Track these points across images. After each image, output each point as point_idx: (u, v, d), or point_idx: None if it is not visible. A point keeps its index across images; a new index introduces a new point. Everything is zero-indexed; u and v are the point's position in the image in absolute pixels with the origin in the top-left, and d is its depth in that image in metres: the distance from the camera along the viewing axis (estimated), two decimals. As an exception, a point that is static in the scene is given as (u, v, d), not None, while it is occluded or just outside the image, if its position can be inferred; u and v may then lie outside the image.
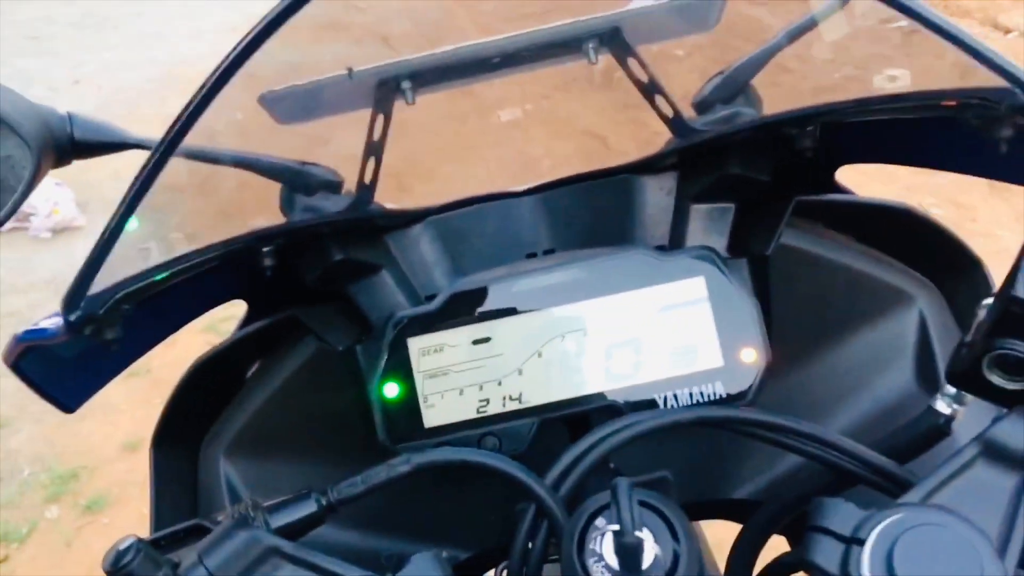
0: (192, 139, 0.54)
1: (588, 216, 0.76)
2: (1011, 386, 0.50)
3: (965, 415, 0.56)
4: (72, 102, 4.69)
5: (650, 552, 0.48)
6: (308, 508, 0.56)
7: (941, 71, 0.54)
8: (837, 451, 0.59)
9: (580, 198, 0.77)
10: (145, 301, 0.63)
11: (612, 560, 0.48)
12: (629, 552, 0.46)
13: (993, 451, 0.48)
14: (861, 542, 0.46)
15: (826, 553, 0.47)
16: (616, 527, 0.47)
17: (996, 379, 0.51)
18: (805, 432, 0.60)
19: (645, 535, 0.48)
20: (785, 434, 0.61)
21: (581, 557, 0.49)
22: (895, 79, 0.59)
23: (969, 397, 0.56)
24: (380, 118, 0.69)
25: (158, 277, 0.61)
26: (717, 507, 0.76)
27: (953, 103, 0.56)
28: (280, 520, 0.55)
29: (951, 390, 0.58)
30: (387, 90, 0.69)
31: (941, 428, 0.57)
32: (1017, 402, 0.50)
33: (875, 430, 0.72)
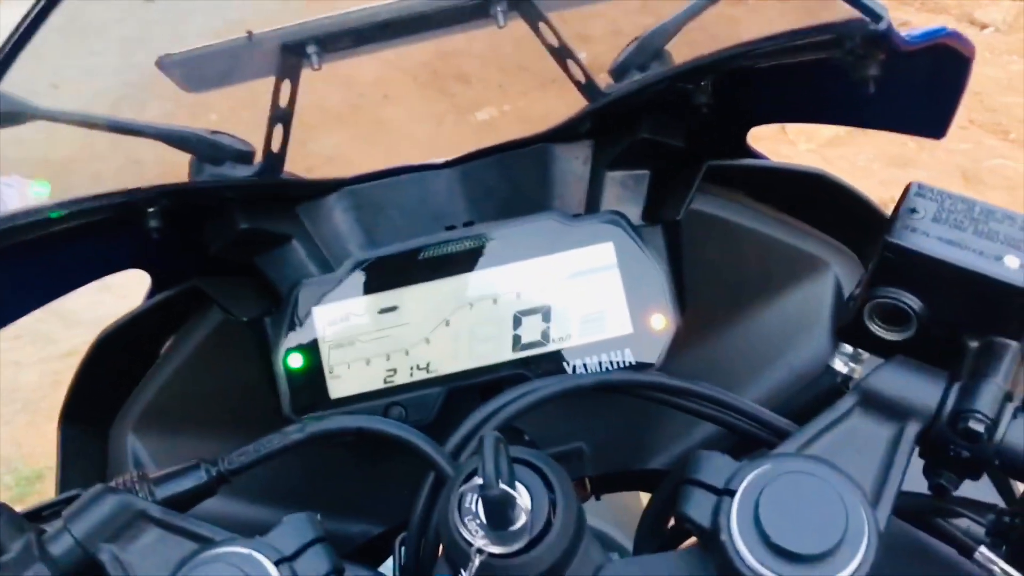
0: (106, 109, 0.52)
1: (507, 187, 0.75)
2: (889, 336, 0.50)
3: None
4: (52, 106, 4.68)
5: (523, 507, 0.46)
6: (196, 479, 0.55)
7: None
8: (735, 412, 0.58)
9: (498, 169, 0.76)
10: (32, 252, 0.61)
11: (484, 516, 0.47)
12: (495, 506, 0.44)
13: (870, 401, 0.48)
14: (732, 493, 0.45)
15: (698, 505, 0.46)
16: (481, 481, 0.45)
17: (876, 329, 0.50)
18: (703, 394, 0.59)
19: (520, 491, 0.47)
20: (684, 396, 0.60)
21: (456, 516, 0.47)
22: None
23: (867, 355, 0.55)
24: (286, 84, 0.68)
25: (44, 216, 0.58)
26: (633, 478, 0.74)
27: (820, 44, 0.55)
28: (166, 491, 0.54)
29: (848, 348, 0.57)
30: (291, 55, 0.67)
31: (839, 387, 0.56)
32: (899, 352, 0.49)
33: (791, 398, 0.71)
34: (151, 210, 0.60)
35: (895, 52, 0.51)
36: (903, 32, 0.50)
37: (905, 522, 0.56)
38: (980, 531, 0.49)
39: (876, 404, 0.47)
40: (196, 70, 0.70)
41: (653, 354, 0.65)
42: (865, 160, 3.18)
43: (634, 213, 0.71)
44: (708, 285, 0.70)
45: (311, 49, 0.68)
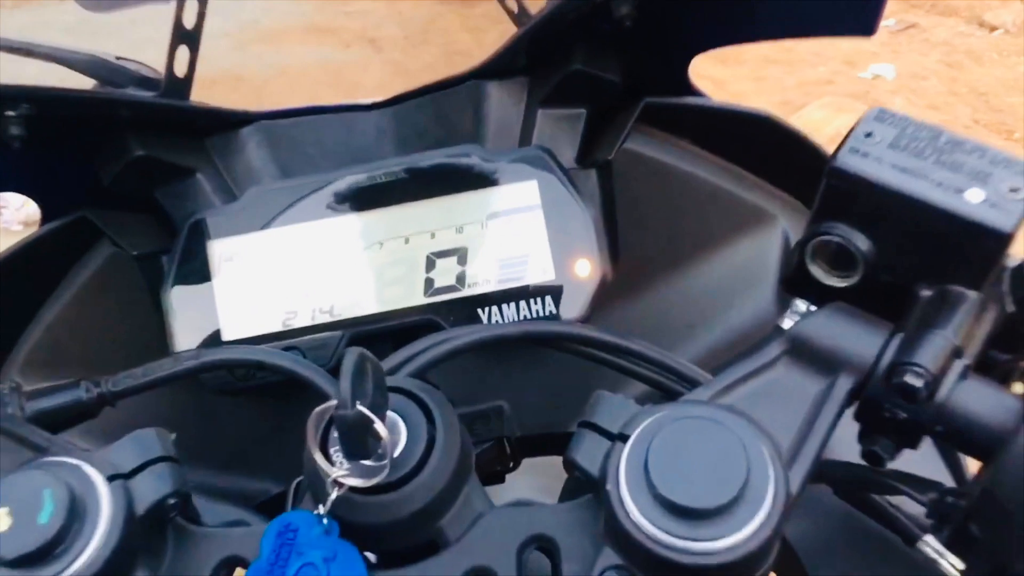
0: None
1: (438, 128, 0.70)
2: (833, 281, 0.43)
3: None
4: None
5: (391, 439, 0.40)
6: (74, 396, 0.49)
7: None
8: (665, 369, 0.53)
9: (430, 109, 0.70)
10: None
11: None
12: (351, 431, 0.38)
13: (799, 349, 0.41)
14: (625, 438, 0.39)
15: (589, 451, 0.40)
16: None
17: (818, 272, 0.43)
18: (631, 349, 0.53)
19: (395, 422, 0.41)
20: (611, 351, 0.54)
21: (315, 443, 0.41)
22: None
23: None
24: (192, 2, 0.63)
25: None
26: (558, 441, 0.69)
27: None
28: (38, 405, 0.48)
29: (800, 306, 0.51)
30: None
31: None
32: (845, 300, 0.43)
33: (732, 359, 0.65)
34: (11, 114, 0.55)
35: None
36: None
37: (843, 500, 0.50)
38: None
39: (806, 354, 0.40)
40: (94, -15, 0.65)
41: (577, 305, 0.60)
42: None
43: (568, 154, 0.65)
44: (644, 234, 0.65)
45: None
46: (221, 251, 0.61)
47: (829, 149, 0.51)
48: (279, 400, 0.65)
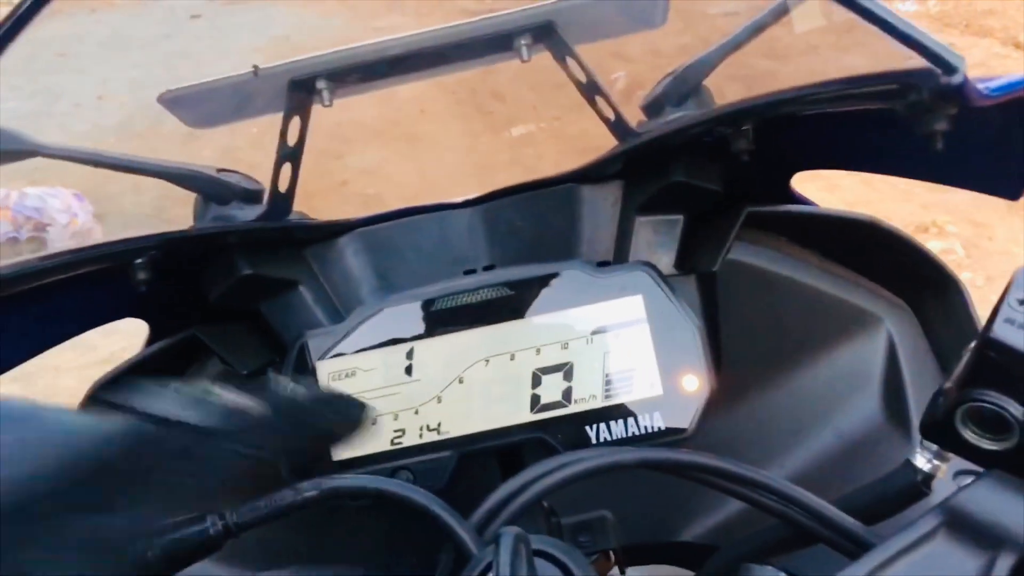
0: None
1: (530, 229, 0.70)
2: (985, 445, 0.42)
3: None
4: (95, 117, 4.73)
5: None
6: (200, 531, 0.50)
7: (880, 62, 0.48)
8: (796, 505, 0.52)
9: (522, 210, 0.71)
10: (20, 303, 0.57)
11: None
12: None
13: (957, 523, 0.40)
14: None
15: None
16: None
17: (969, 435, 0.43)
18: (761, 482, 0.52)
19: None
20: (739, 483, 0.54)
21: None
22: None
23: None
24: (296, 121, 0.64)
25: (29, 270, 0.55)
26: (664, 551, 0.68)
27: (881, 94, 0.49)
28: (167, 541, 0.49)
29: (932, 445, 0.50)
30: (301, 91, 0.63)
31: (919, 487, 0.49)
32: (995, 463, 0.43)
33: (838, 467, 0.64)
34: (138, 262, 0.56)
35: (970, 106, 0.45)
36: (981, 84, 0.44)
37: None
38: None
39: (965, 527, 0.40)
40: (199, 106, 0.66)
41: (685, 419, 0.60)
42: (907, 183, 3.08)
43: (666, 262, 0.65)
44: (747, 342, 0.65)
45: (321, 84, 0.64)
46: (330, 370, 0.62)
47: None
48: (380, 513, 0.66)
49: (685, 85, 0.66)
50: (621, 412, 0.60)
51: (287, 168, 0.65)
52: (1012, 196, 0.53)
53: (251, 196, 0.69)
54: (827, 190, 3.09)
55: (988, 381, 0.40)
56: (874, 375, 0.65)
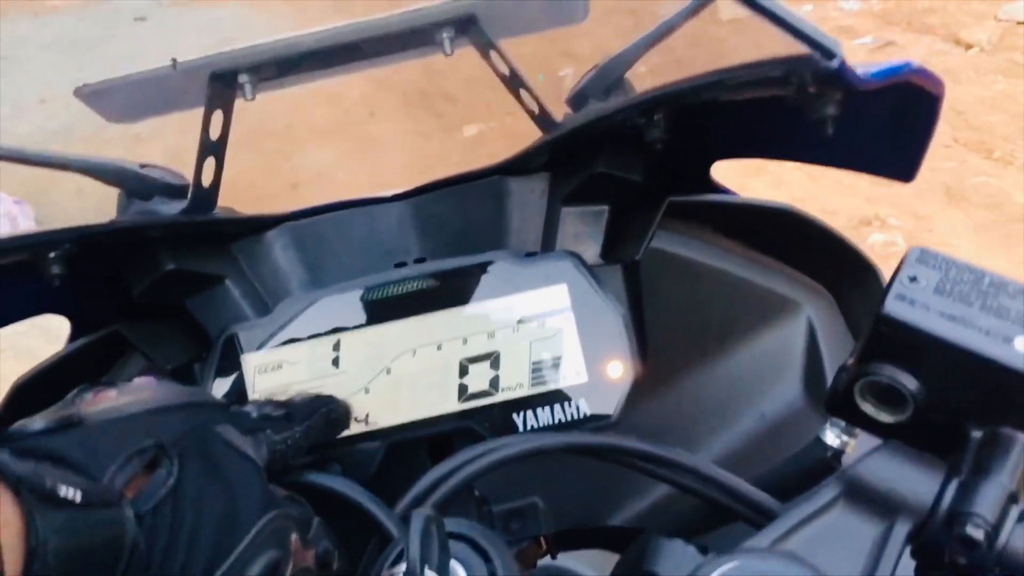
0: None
1: (460, 221, 0.71)
2: (883, 417, 0.43)
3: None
4: (38, 120, 4.60)
5: None
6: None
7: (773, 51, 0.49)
8: (712, 484, 0.53)
9: (451, 202, 0.71)
10: None
11: None
12: None
13: (856, 492, 0.42)
14: None
15: None
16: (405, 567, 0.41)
17: (868, 409, 0.44)
18: (678, 462, 0.54)
19: (455, 569, 0.43)
20: (659, 464, 0.55)
21: None
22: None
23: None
24: (218, 115, 0.64)
25: None
26: (594, 535, 0.69)
27: (770, 81, 0.50)
28: None
29: (840, 421, 0.52)
30: (222, 84, 0.63)
31: (829, 462, 0.50)
32: (893, 435, 0.44)
33: (763, 449, 0.66)
34: (52, 255, 0.55)
35: (854, 91, 0.47)
36: (861, 69, 0.46)
37: None
38: None
39: (863, 496, 0.41)
40: (119, 100, 0.65)
41: (610, 405, 0.61)
42: (851, 177, 3.14)
43: (592, 251, 0.66)
44: (672, 329, 0.66)
45: (243, 78, 0.63)
46: (255, 364, 0.62)
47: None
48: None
49: (607, 79, 0.67)
50: (547, 399, 0.61)
51: (211, 162, 0.64)
52: (906, 178, 0.55)
53: (175, 191, 0.68)
54: (773, 186, 3.15)
55: (883, 356, 0.42)
56: (795, 359, 0.67)
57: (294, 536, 0.44)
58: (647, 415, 0.65)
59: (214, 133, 0.63)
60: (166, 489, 0.39)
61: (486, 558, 0.43)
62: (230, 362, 0.61)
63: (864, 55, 4.19)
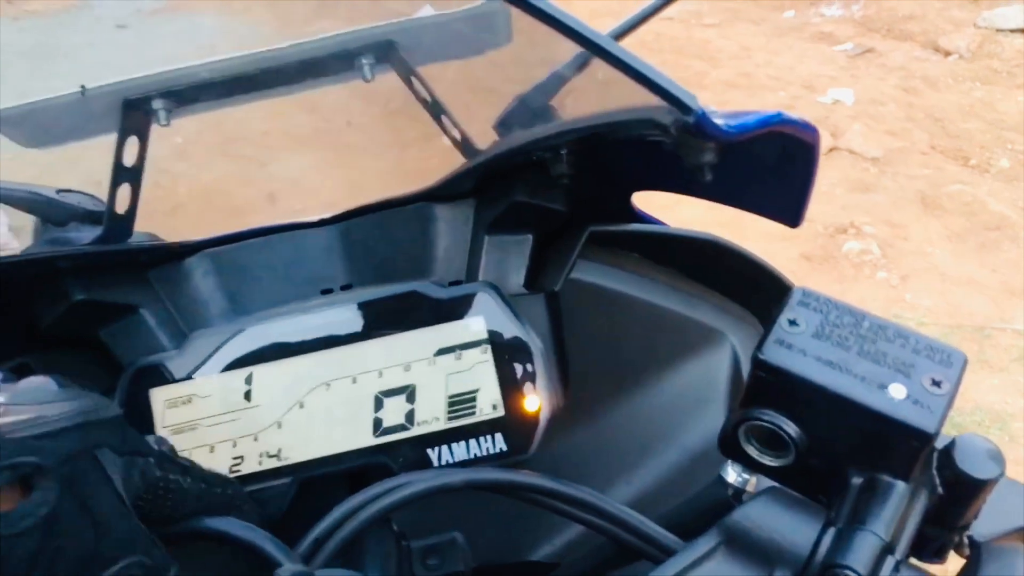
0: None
1: (387, 248, 0.70)
2: (767, 461, 0.43)
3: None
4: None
5: None
6: None
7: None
8: (619, 523, 0.53)
9: (378, 228, 0.70)
10: None
11: None
12: None
13: (736, 540, 0.41)
14: None
15: None
16: None
17: (753, 452, 0.44)
18: (583, 500, 0.53)
19: None
20: (565, 501, 0.54)
21: None
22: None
23: None
24: (133, 141, 0.62)
25: None
26: (513, 571, 0.68)
27: (645, 127, 0.50)
28: None
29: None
30: (136, 110, 0.61)
31: (729, 500, 0.50)
32: (778, 479, 0.44)
33: (685, 483, 0.65)
34: None
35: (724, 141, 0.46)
36: (728, 120, 0.45)
37: None
38: None
39: (742, 544, 0.40)
40: (31, 126, 0.64)
41: (527, 440, 0.60)
42: (828, 185, 3.15)
43: (515, 281, 0.66)
44: (594, 361, 0.65)
45: (158, 104, 0.62)
46: (163, 398, 0.60)
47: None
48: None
49: (529, 107, 0.66)
50: (463, 434, 0.60)
51: (125, 189, 0.63)
52: (792, 223, 0.54)
53: (93, 218, 0.67)
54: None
55: (765, 400, 0.41)
56: (719, 389, 0.66)
57: None
58: (568, 449, 0.64)
59: (129, 160, 0.62)
60: (37, 518, 0.37)
61: None
62: (138, 396, 0.60)
63: (844, 61, 4.20)
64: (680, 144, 0.47)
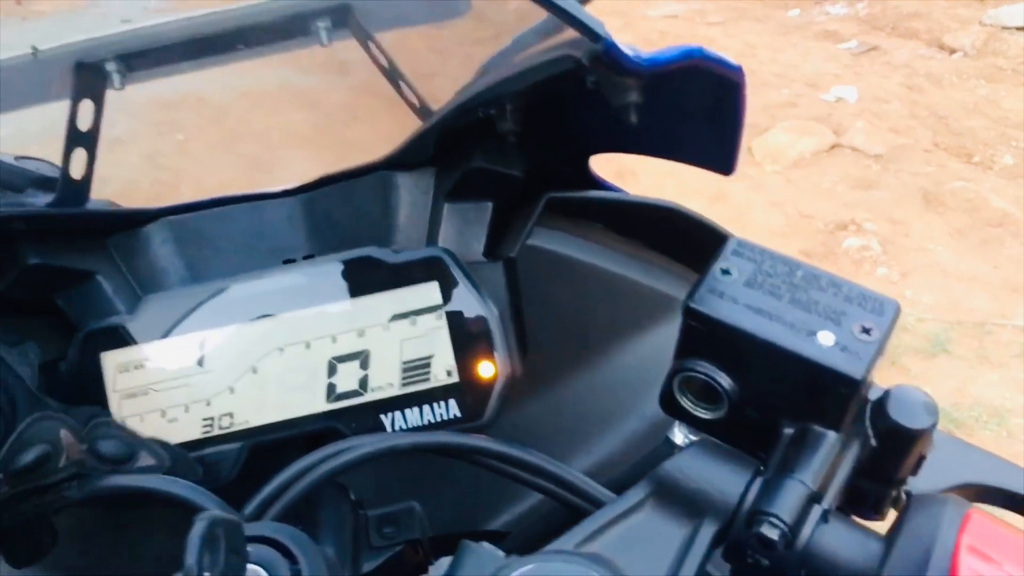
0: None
1: (349, 217, 0.69)
2: (700, 413, 0.42)
3: None
4: (17, 123, 4.60)
5: None
6: None
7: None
8: (561, 485, 0.52)
9: (340, 198, 0.69)
10: None
11: None
12: None
13: (665, 492, 0.40)
14: None
15: None
16: None
17: (687, 404, 0.43)
18: (528, 462, 0.53)
19: (258, 571, 0.41)
20: (508, 463, 0.54)
21: None
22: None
23: None
24: (87, 104, 0.62)
25: None
26: (471, 539, 0.68)
27: (565, 66, 0.49)
28: None
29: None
30: (89, 73, 0.61)
31: None
32: (712, 432, 0.43)
33: (643, 450, 0.64)
34: None
35: (651, 77, 0.45)
36: (643, 53, 0.44)
37: None
38: None
39: (671, 496, 0.40)
40: (-18, 90, 0.64)
41: (481, 406, 0.59)
42: (830, 182, 3.14)
43: (475, 248, 0.65)
44: (553, 329, 0.64)
45: (111, 67, 0.62)
46: (115, 362, 0.60)
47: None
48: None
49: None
50: (417, 400, 0.59)
51: (80, 154, 0.62)
52: (726, 170, 0.53)
53: (51, 185, 0.66)
54: (752, 190, 3.14)
55: (697, 351, 0.40)
56: None
57: (64, 431, 0.49)
58: (527, 418, 0.64)
59: (84, 124, 0.62)
60: None
61: (292, 560, 0.42)
62: (89, 360, 0.60)
63: (848, 59, 4.18)
64: (602, 83, 0.46)
